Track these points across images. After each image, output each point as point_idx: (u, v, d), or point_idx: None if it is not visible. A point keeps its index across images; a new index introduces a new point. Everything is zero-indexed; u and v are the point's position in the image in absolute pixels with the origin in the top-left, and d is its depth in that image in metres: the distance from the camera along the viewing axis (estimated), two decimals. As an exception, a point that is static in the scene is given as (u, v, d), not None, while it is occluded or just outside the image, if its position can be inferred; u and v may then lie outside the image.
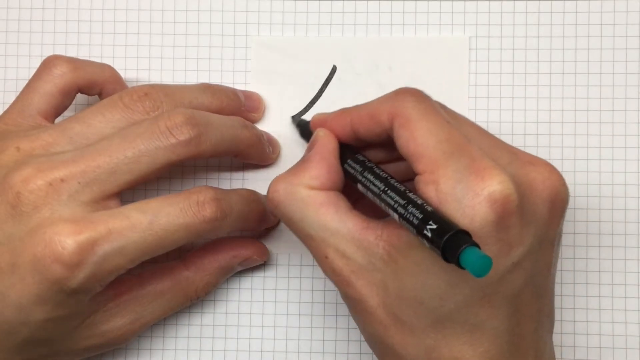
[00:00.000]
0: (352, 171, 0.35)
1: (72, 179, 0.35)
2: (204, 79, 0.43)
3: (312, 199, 0.34)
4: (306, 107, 0.43)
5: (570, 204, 0.41)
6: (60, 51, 0.43)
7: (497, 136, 0.42)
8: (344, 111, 0.36)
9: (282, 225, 0.42)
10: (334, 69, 0.43)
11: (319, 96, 0.43)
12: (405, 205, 0.32)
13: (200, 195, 0.36)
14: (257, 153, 0.41)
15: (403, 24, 0.43)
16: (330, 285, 0.42)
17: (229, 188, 0.42)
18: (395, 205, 0.32)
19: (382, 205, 0.33)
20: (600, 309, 0.42)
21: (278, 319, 0.42)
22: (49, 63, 0.39)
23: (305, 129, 0.40)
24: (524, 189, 0.32)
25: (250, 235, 0.42)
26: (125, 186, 0.35)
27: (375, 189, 0.34)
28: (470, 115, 0.42)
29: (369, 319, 0.34)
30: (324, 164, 0.35)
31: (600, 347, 0.41)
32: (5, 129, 0.38)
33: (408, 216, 0.31)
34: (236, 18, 0.43)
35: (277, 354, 0.42)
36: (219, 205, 0.36)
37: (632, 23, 0.42)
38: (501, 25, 0.43)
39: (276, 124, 0.43)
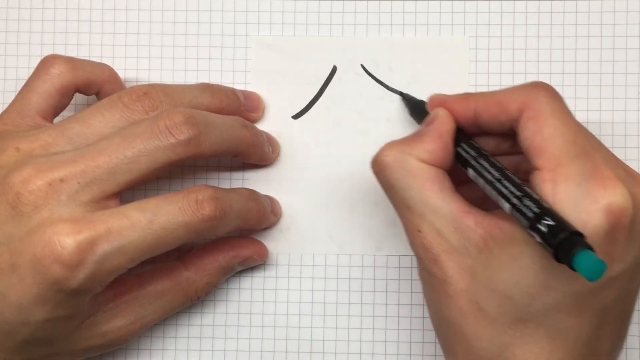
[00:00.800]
0: (465, 155, 0.35)
1: (72, 179, 0.35)
2: (204, 79, 0.43)
3: (420, 171, 0.34)
4: (306, 107, 0.43)
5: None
6: (60, 51, 0.43)
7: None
8: (468, 95, 0.36)
9: (282, 225, 0.42)
10: (334, 69, 0.43)
11: (319, 96, 0.43)
12: (521, 197, 0.31)
13: (199, 194, 0.36)
14: (257, 153, 0.41)
15: (403, 24, 0.43)
16: (330, 285, 0.42)
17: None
18: (510, 196, 0.32)
19: (494, 193, 0.33)
20: (600, 309, 0.42)
21: (278, 319, 0.42)
22: (46, 62, 0.39)
23: (417, 107, 0.40)
24: (637, 207, 0.31)
25: (250, 235, 0.42)
26: (125, 186, 0.35)
27: (490, 176, 0.33)
28: (470, 115, 0.42)
29: (448, 301, 0.33)
30: (440, 140, 0.35)
31: (600, 347, 0.41)
32: (4, 129, 0.38)
33: (522, 208, 0.31)
34: (236, 18, 0.43)
35: (277, 354, 0.42)
36: (218, 203, 0.36)
37: (632, 23, 0.42)
38: (501, 25, 0.43)
39: (276, 124, 0.43)
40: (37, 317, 0.34)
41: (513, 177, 0.33)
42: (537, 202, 0.31)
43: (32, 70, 0.40)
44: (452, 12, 0.43)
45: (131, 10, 0.44)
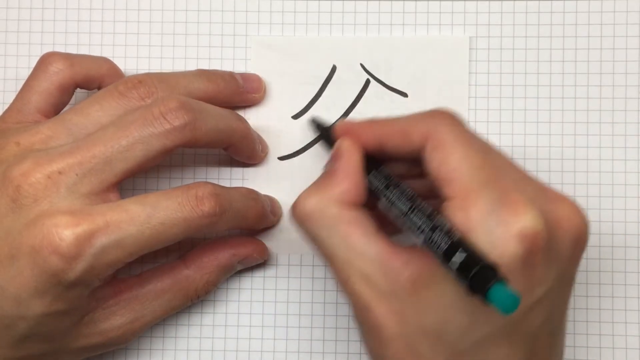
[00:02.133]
0: (376, 185, 0.34)
1: (70, 170, 0.35)
2: (204, 78, 0.43)
3: (340, 217, 0.33)
4: (306, 107, 0.43)
5: (571, 204, 0.41)
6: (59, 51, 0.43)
7: (497, 136, 0.42)
8: (372, 123, 0.36)
9: (282, 225, 0.42)
10: (333, 69, 0.43)
11: (319, 96, 0.43)
12: (433, 229, 0.31)
13: (199, 190, 0.36)
14: (248, 147, 0.41)
15: (403, 24, 0.43)
16: (330, 285, 0.42)
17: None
18: (421, 228, 0.31)
19: (406, 225, 0.32)
20: (600, 309, 0.42)
21: (278, 319, 0.42)
22: (45, 60, 0.39)
23: (326, 134, 0.39)
24: (551, 226, 0.31)
25: (250, 235, 0.42)
26: (123, 175, 0.35)
27: (402, 207, 0.33)
28: (470, 115, 0.42)
29: (383, 347, 0.33)
30: (352, 177, 0.34)
31: (600, 347, 0.41)
32: (5, 127, 0.38)
33: (435, 241, 0.30)
34: (236, 18, 0.43)
35: (277, 354, 0.42)
36: (218, 200, 0.36)
37: (632, 23, 0.42)
38: (501, 25, 0.43)
39: (276, 124, 0.43)
40: (35, 311, 0.34)
41: (424, 206, 0.32)
42: (449, 234, 0.30)
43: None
44: (452, 12, 0.43)
45: (131, 10, 0.44)
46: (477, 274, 0.28)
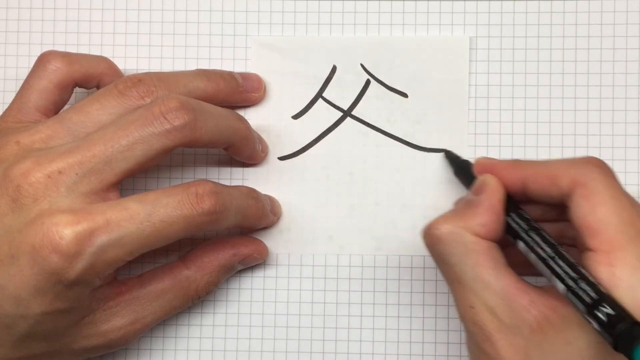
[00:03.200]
0: (515, 226, 0.34)
1: (70, 170, 0.35)
2: (204, 79, 0.43)
3: (474, 246, 0.33)
4: (306, 107, 0.43)
5: (571, 204, 0.41)
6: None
7: (497, 136, 0.42)
8: (517, 164, 0.36)
9: (282, 225, 0.42)
10: (334, 69, 0.43)
11: (319, 96, 0.43)
12: (577, 279, 0.31)
13: (199, 188, 0.36)
14: (248, 147, 0.41)
15: (403, 24, 0.43)
16: (330, 285, 0.42)
17: (229, 188, 0.42)
18: (565, 277, 0.31)
19: (547, 271, 0.32)
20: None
21: (278, 319, 0.42)
22: (43, 59, 0.39)
23: (463, 168, 0.40)
24: None
25: (250, 235, 0.42)
26: (123, 175, 0.35)
27: (542, 253, 0.33)
28: (470, 116, 0.42)
29: None
30: (493, 212, 0.34)
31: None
32: (5, 126, 0.38)
33: (579, 292, 0.30)
34: (236, 18, 0.43)
35: (277, 354, 0.42)
36: (218, 198, 0.36)
37: (632, 23, 0.42)
38: (501, 25, 0.43)
39: (276, 124, 0.43)
40: (35, 310, 0.34)
41: (567, 255, 0.32)
42: (594, 287, 0.30)
43: (32, 70, 0.40)
44: (452, 12, 0.43)
45: (131, 10, 0.44)
46: (622, 332, 0.28)
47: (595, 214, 0.32)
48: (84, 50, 0.43)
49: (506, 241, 0.35)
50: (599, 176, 0.33)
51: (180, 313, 0.42)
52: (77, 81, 0.40)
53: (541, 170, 0.34)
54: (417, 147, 0.42)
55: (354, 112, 0.43)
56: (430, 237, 0.35)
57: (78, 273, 0.34)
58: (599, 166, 0.33)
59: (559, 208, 0.35)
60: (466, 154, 0.42)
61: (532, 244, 0.33)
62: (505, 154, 0.42)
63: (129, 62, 0.43)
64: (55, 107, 0.39)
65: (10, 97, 0.40)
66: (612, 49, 0.42)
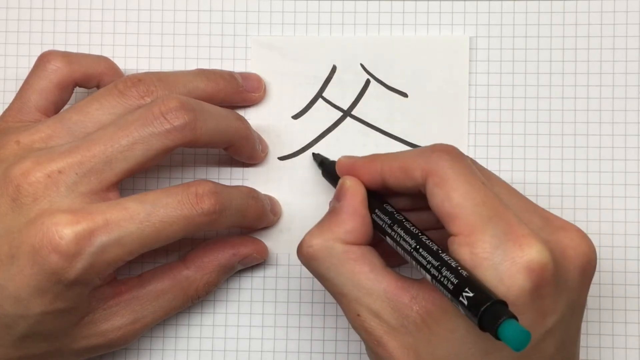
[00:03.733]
0: (380, 223, 0.35)
1: (70, 170, 0.35)
2: (204, 79, 0.43)
3: (347, 256, 0.34)
4: (306, 107, 0.43)
5: (571, 204, 0.41)
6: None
7: (497, 137, 0.42)
8: (373, 159, 0.36)
9: (282, 225, 0.42)
10: (334, 69, 0.43)
11: (319, 96, 0.43)
12: (439, 267, 0.31)
13: (199, 188, 0.36)
14: (248, 147, 0.41)
15: (403, 24, 0.43)
16: (330, 285, 0.42)
17: (229, 188, 0.42)
18: (428, 266, 0.32)
19: (413, 263, 0.33)
20: (600, 309, 0.42)
21: (278, 319, 0.42)
22: (43, 59, 0.39)
23: (328, 169, 0.40)
24: (557, 256, 0.32)
25: (250, 235, 0.42)
26: (123, 175, 0.36)
27: (406, 246, 0.33)
28: (470, 116, 0.42)
29: None
30: (357, 216, 0.35)
31: (600, 347, 0.41)
32: (5, 126, 0.38)
33: (442, 279, 0.31)
34: (236, 18, 0.43)
35: (277, 354, 0.42)
36: (218, 198, 0.36)
37: (632, 23, 0.42)
38: (501, 25, 0.43)
39: (276, 124, 0.43)
40: (35, 310, 0.34)
41: (430, 244, 0.33)
42: (456, 272, 0.30)
43: (32, 70, 0.40)
44: (452, 12, 0.43)
45: (131, 10, 0.44)
46: (486, 311, 0.29)
47: (450, 200, 0.32)
48: (84, 50, 0.43)
49: (379, 237, 0.35)
50: (448, 162, 0.33)
51: (180, 313, 0.42)
52: (77, 81, 0.40)
53: (394, 163, 0.35)
54: (417, 147, 0.42)
55: (354, 112, 0.43)
56: (304, 256, 0.35)
57: (78, 273, 0.34)
58: (447, 152, 0.34)
59: (425, 196, 0.35)
60: (466, 153, 0.42)
61: (396, 237, 0.34)
62: (505, 154, 0.42)
63: (129, 62, 0.43)
64: (55, 107, 0.39)
65: (10, 97, 0.40)
66: (612, 49, 0.42)
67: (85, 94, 0.42)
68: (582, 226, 0.41)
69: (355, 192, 0.35)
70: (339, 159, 0.37)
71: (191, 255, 0.40)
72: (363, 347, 0.41)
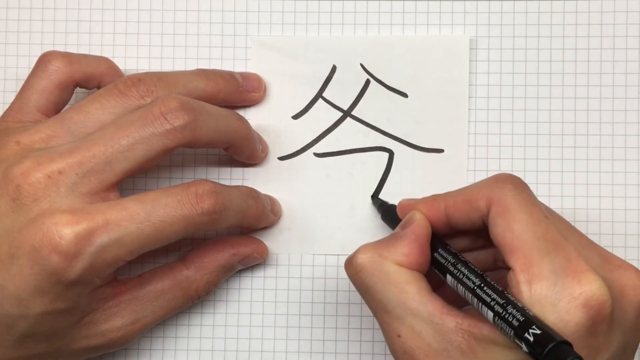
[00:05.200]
0: (443, 261, 0.35)
1: (70, 170, 0.35)
2: (204, 79, 0.43)
3: (397, 275, 0.34)
4: (306, 107, 0.43)
5: (571, 204, 0.41)
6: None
7: (497, 137, 0.42)
8: (436, 197, 0.36)
9: (282, 225, 0.42)
10: (334, 69, 0.43)
11: (319, 96, 0.43)
12: (505, 304, 0.31)
13: (199, 187, 0.36)
14: (248, 147, 0.41)
15: (403, 24, 0.43)
16: (330, 285, 0.42)
17: (229, 188, 0.42)
18: (493, 304, 0.31)
19: (475, 301, 0.33)
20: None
21: (278, 319, 0.42)
22: (44, 59, 0.39)
23: (388, 212, 0.40)
24: (615, 294, 0.31)
25: (250, 235, 0.42)
26: (123, 175, 0.36)
27: (470, 283, 0.33)
28: (470, 116, 0.42)
29: None
30: (417, 244, 0.34)
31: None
32: (6, 126, 0.38)
33: (507, 317, 0.31)
34: (236, 18, 0.43)
35: (277, 354, 0.42)
36: (218, 198, 0.36)
37: (632, 23, 0.42)
38: (501, 25, 0.43)
39: (276, 124, 0.43)
40: (35, 310, 0.34)
41: (493, 283, 0.33)
42: (522, 310, 0.31)
43: (32, 70, 0.40)
44: (452, 12, 0.43)
45: (131, 10, 0.44)
46: (552, 350, 0.29)
47: (511, 231, 0.32)
48: (84, 50, 0.43)
49: (437, 280, 0.35)
50: (511, 192, 0.33)
51: (180, 313, 0.42)
52: (78, 81, 0.40)
53: (458, 197, 0.35)
54: (417, 147, 0.42)
55: (354, 112, 0.43)
56: (353, 267, 0.35)
57: (78, 273, 0.34)
58: (511, 182, 0.34)
59: (485, 236, 0.35)
60: (466, 153, 0.42)
61: (459, 275, 0.34)
62: (505, 154, 0.42)
63: (129, 62, 0.43)
64: (55, 107, 0.39)
65: (10, 97, 0.40)
66: (612, 49, 0.42)
67: (85, 95, 0.42)
68: (582, 226, 0.41)
69: (421, 224, 0.35)
70: (400, 202, 0.37)
71: (191, 256, 0.40)
72: (363, 347, 0.42)
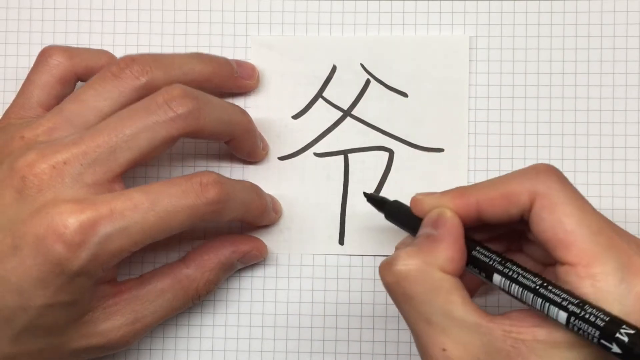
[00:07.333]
0: (487, 260, 0.33)
1: (75, 160, 0.35)
2: (204, 78, 0.43)
3: (442, 283, 0.32)
4: (306, 107, 0.43)
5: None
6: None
7: (497, 136, 0.42)
8: (464, 191, 0.34)
9: (282, 225, 0.42)
10: (334, 69, 0.43)
11: (319, 96, 0.43)
12: (580, 304, 0.29)
13: (203, 178, 0.36)
14: (250, 141, 0.41)
15: (403, 24, 0.43)
16: (330, 285, 0.42)
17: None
18: (565, 303, 0.30)
19: (539, 301, 0.31)
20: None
21: (278, 319, 0.42)
22: (44, 54, 0.40)
23: (395, 210, 0.37)
24: None
25: (250, 233, 0.42)
26: (127, 165, 0.36)
27: (529, 283, 0.31)
28: (470, 116, 0.42)
29: None
30: (458, 247, 0.33)
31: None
32: (9, 122, 0.38)
33: (588, 317, 0.29)
34: (236, 18, 0.43)
35: (277, 354, 0.42)
36: (222, 187, 0.36)
37: (632, 23, 0.42)
38: (501, 25, 0.43)
39: (276, 124, 0.43)
40: (37, 302, 0.34)
41: (553, 281, 0.31)
42: (602, 309, 0.29)
43: (32, 70, 0.40)
44: (452, 12, 0.43)
45: (131, 10, 0.44)
46: None
47: (563, 226, 0.31)
48: (84, 50, 0.44)
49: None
50: (558, 185, 0.32)
51: (180, 313, 0.42)
52: (79, 75, 0.40)
53: (494, 191, 0.33)
54: (417, 147, 0.42)
55: (354, 112, 0.43)
56: (393, 275, 0.33)
57: (82, 263, 0.34)
58: (555, 174, 0.32)
59: (518, 239, 0.34)
60: (466, 153, 0.42)
61: (513, 275, 0.32)
62: (505, 154, 0.42)
63: (129, 62, 0.43)
64: (57, 102, 0.39)
65: (10, 97, 0.40)
66: (612, 49, 0.42)
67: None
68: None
69: (456, 224, 0.33)
70: (415, 197, 0.35)
71: (191, 254, 0.40)
72: (363, 347, 0.42)
